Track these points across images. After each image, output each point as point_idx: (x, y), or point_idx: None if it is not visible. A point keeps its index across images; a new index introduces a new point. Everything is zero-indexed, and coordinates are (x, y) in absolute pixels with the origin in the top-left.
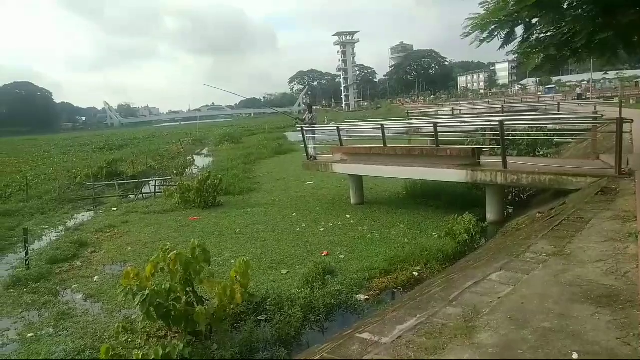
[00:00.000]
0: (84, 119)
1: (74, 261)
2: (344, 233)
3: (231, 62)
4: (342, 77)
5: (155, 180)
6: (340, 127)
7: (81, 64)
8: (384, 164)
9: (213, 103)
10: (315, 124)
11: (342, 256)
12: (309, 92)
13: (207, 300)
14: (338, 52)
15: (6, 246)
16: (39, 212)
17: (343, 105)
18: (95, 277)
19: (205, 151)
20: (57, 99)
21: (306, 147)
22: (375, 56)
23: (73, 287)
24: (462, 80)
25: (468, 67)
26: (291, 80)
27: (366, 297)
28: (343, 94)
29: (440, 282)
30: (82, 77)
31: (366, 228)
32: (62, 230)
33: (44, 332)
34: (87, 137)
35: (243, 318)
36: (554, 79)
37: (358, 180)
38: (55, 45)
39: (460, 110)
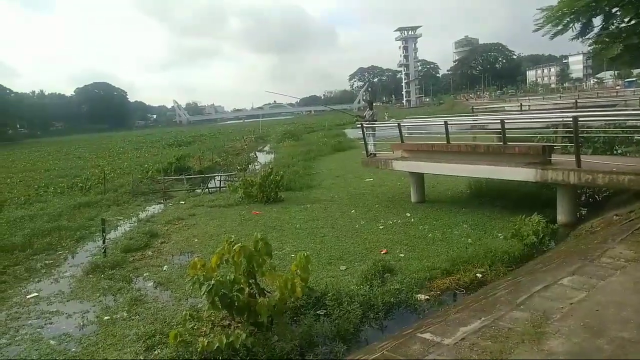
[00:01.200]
0: (155, 116)
1: (145, 250)
2: (403, 231)
3: (292, 60)
4: (403, 72)
5: (220, 176)
6: (401, 124)
7: (152, 64)
8: (446, 162)
9: (275, 101)
10: (375, 121)
11: (402, 255)
12: (369, 89)
13: (269, 292)
14: (399, 47)
15: (86, 234)
16: (115, 203)
17: (404, 101)
18: (165, 267)
19: (267, 148)
20: (131, 98)
21: (366, 144)
22: (438, 51)
23: (145, 275)
24: (531, 75)
25: (538, 60)
26: (351, 77)
27: (427, 297)
28: (404, 89)
29: (506, 285)
30: (154, 77)
31: (427, 227)
32: (135, 221)
33: (118, 316)
34: (158, 134)
35: (302, 312)
36: (635, 71)
37: (419, 178)
38: (129, 47)
39: (529, 105)
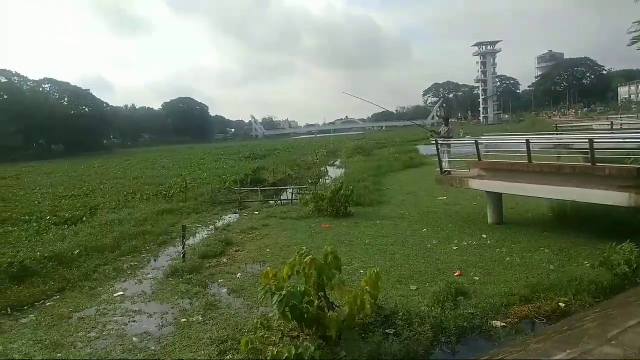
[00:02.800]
0: (233, 130)
1: (220, 257)
2: (479, 253)
3: (364, 76)
4: (480, 88)
5: (293, 188)
6: (479, 141)
7: (231, 80)
8: (527, 182)
9: (346, 116)
10: (451, 137)
11: (477, 278)
12: (444, 105)
13: (337, 306)
14: (477, 62)
15: (168, 239)
16: (195, 211)
17: (480, 117)
18: (238, 274)
19: (337, 162)
20: (212, 112)
21: (440, 161)
22: (519, 66)
23: (219, 281)
24: (623, 91)
25: (632, 76)
26: (425, 92)
27: (503, 324)
28: (481, 106)
29: (594, 318)
30: (232, 92)
31: (504, 250)
32: (212, 229)
33: (194, 319)
34: (235, 146)
35: (371, 329)
36: None
37: (497, 197)
38: (210, 64)
39: (620, 124)
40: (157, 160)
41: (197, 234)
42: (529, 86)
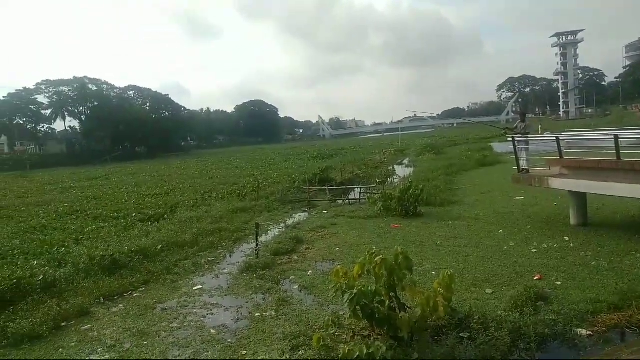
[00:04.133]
0: (301, 131)
1: (292, 255)
2: (561, 257)
3: (433, 72)
4: (560, 81)
5: (360, 188)
6: (560, 137)
7: (299, 81)
8: (616, 181)
9: (415, 114)
10: (528, 134)
11: (559, 282)
12: (520, 100)
13: (409, 307)
14: (556, 54)
15: (242, 236)
16: (266, 210)
17: (561, 112)
18: (309, 272)
19: (406, 161)
20: (281, 113)
21: (517, 159)
22: (604, 56)
23: (291, 277)
24: None
25: None
26: (499, 87)
27: (589, 332)
28: (561, 100)
29: None
30: (300, 93)
31: (590, 254)
32: (283, 227)
33: (267, 314)
34: (304, 147)
35: (444, 332)
36: None
37: (581, 198)
38: (278, 67)
39: None
40: (230, 160)
41: (269, 232)
42: (616, 78)
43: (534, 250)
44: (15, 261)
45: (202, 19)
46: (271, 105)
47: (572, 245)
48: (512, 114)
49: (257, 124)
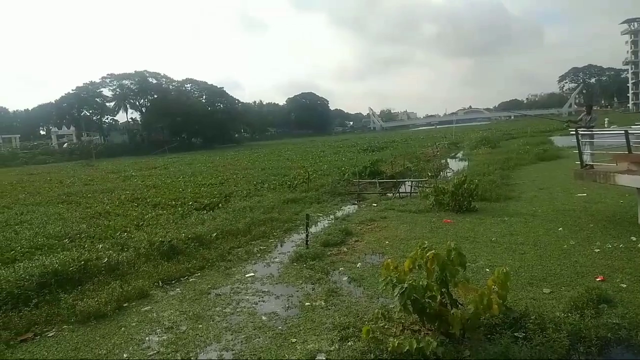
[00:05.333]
0: (351, 123)
1: (341, 247)
2: (627, 258)
3: (489, 63)
4: (630, 71)
5: (412, 181)
6: (629, 131)
7: (349, 73)
8: None
9: (470, 106)
10: (593, 127)
11: (624, 285)
12: (584, 91)
13: (461, 304)
14: (626, 42)
15: (292, 227)
16: (316, 201)
17: (630, 104)
18: (358, 264)
19: (459, 155)
20: (332, 106)
21: (580, 154)
22: None
23: (340, 269)
24: None
25: None
26: (561, 78)
27: None
28: (630, 91)
29: None
30: (350, 85)
31: None
32: (332, 219)
33: (317, 304)
34: (353, 139)
35: (498, 331)
36: None
37: None
38: (329, 59)
39: None
40: (281, 152)
41: (318, 223)
42: None
43: (596, 250)
44: (83, 244)
45: (254, 11)
46: (322, 97)
47: (639, 246)
48: (575, 106)
49: (308, 116)
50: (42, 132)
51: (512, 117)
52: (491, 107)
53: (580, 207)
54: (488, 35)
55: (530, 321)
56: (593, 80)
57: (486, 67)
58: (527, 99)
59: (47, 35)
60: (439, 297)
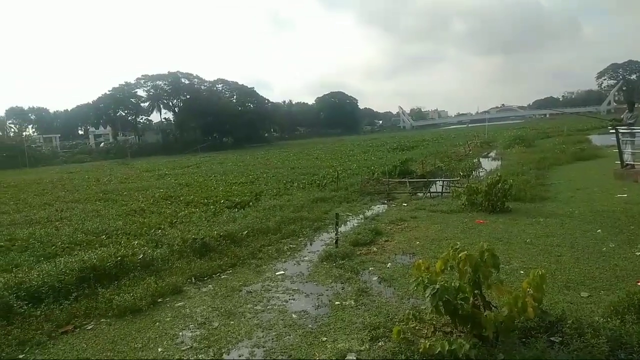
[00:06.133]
0: (380, 122)
1: (370, 246)
2: None
3: (523, 60)
4: None
5: (443, 181)
6: None
7: (378, 72)
8: None
9: (503, 104)
10: (633, 125)
11: None
12: (624, 88)
13: (494, 306)
14: None
15: (321, 226)
16: (345, 200)
17: None
18: (388, 264)
19: (492, 154)
20: (361, 105)
21: (621, 153)
22: None
23: (370, 269)
24: None
25: None
26: (600, 74)
27: None
28: None
29: None
30: (379, 84)
31: None
32: (361, 218)
33: (346, 303)
34: (383, 138)
35: (533, 335)
36: None
37: None
38: (358, 57)
39: None
40: (310, 151)
41: (348, 222)
42: None
43: (637, 253)
44: (119, 240)
45: (283, 11)
46: (351, 96)
47: None
48: (615, 104)
49: (337, 115)
50: (80, 132)
51: (547, 116)
52: (525, 105)
53: (620, 209)
54: (521, 31)
55: (567, 326)
56: (634, 76)
57: (519, 63)
58: (563, 96)
59: (84, 38)
60: (471, 298)
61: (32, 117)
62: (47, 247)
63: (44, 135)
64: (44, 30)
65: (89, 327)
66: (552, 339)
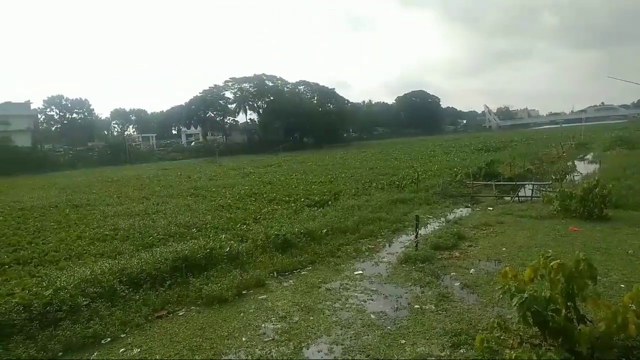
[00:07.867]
0: (464, 122)
1: (452, 251)
2: None
3: (626, 53)
4: None
5: (533, 185)
6: None
7: (461, 70)
8: None
9: (602, 103)
10: None
11: None
12: None
13: (590, 321)
14: None
15: (400, 227)
16: (425, 202)
17: None
18: (472, 270)
19: (589, 157)
20: (443, 104)
21: None
22: None
23: (451, 274)
24: None
25: None
26: None
27: None
28: None
29: None
30: (463, 82)
31: None
32: (443, 221)
33: (426, 307)
34: (466, 138)
35: (635, 354)
36: None
37: None
38: (439, 55)
39: None
40: (389, 152)
41: (428, 225)
42: None
43: None
44: (208, 234)
45: (361, 10)
46: (433, 95)
47: None
48: None
49: (418, 115)
50: (173, 132)
51: None
52: (628, 104)
53: None
54: (622, 21)
55: None
56: None
57: (620, 58)
58: None
59: (180, 43)
60: (563, 310)
61: (133, 117)
62: (145, 237)
63: (142, 135)
64: (146, 39)
65: (181, 313)
66: None
